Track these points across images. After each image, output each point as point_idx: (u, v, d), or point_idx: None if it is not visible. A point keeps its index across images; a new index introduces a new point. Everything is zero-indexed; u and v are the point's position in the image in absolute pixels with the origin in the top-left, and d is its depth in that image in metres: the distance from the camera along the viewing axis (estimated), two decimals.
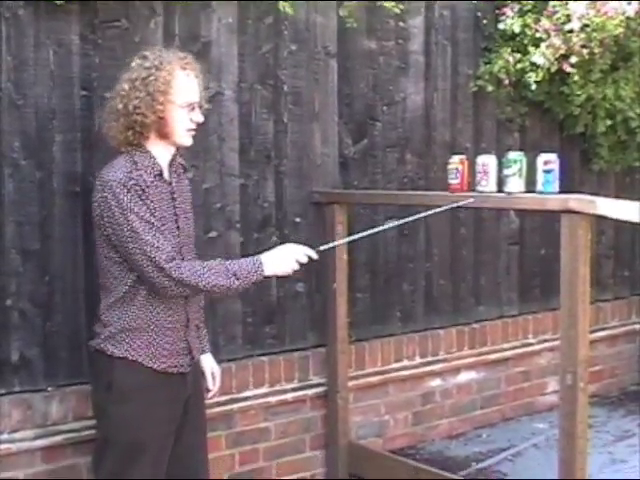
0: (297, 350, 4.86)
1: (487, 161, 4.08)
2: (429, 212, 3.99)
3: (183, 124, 3.44)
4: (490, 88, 5.49)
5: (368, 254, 5.15)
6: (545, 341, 6.04)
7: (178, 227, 3.47)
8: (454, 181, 4.20)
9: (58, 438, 3.97)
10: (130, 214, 3.27)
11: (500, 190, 4.05)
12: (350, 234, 4.48)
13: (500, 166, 4.05)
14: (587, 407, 3.80)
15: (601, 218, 3.77)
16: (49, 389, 4.00)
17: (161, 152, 3.46)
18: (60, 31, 3.96)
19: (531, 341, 6.02)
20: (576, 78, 5.30)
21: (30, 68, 3.88)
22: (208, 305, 4.45)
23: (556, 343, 3.92)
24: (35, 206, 3.93)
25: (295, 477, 4.90)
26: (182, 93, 3.40)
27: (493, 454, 5.30)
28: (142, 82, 3.36)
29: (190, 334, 3.54)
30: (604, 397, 6.39)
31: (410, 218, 3.97)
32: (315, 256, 3.54)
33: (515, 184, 3.97)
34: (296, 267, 3.48)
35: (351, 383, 4.99)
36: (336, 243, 3.92)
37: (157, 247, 3.27)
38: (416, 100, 5.33)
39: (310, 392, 4.89)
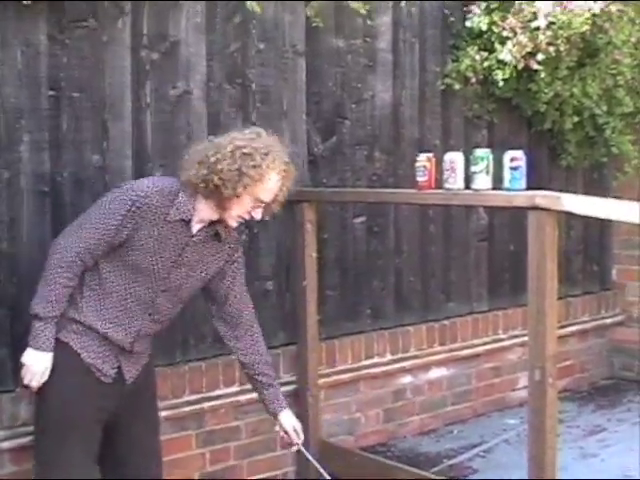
0: (267, 348, 4.84)
1: (454, 158, 4.09)
2: None
3: (241, 211, 3.45)
4: (457, 86, 5.51)
5: (338, 252, 5.16)
6: (515, 337, 6.06)
7: (169, 274, 3.50)
8: (422, 178, 4.20)
9: (26, 439, 3.93)
10: (98, 208, 3.44)
11: (468, 187, 4.06)
12: (319, 232, 4.53)
13: (467, 163, 4.07)
14: (556, 402, 3.81)
15: (568, 214, 3.80)
16: (17, 390, 3.98)
17: (206, 210, 3.47)
18: (28, 31, 3.95)
19: (501, 337, 6.04)
20: (543, 75, 5.33)
21: None
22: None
23: (526, 339, 3.93)
24: (3, 206, 3.92)
25: (266, 476, 4.91)
26: (263, 192, 3.42)
27: (464, 450, 5.31)
28: (242, 157, 3.36)
29: (124, 355, 3.56)
30: (575, 392, 6.43)
31: None
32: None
33: (482, 181, 3.98)
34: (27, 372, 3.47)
35: (322, 381, 5.00)
36: None
37: (74, 243, 3.40)
38: (384, 98, 5.34)
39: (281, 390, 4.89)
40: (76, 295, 3.47)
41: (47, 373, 3.43)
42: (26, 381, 3.45)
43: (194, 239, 3.51)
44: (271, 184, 3.43)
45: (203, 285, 3.68)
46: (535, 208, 3.68)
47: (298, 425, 3.87)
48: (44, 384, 3.44)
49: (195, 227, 3.50)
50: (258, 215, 3.50)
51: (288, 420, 3.85)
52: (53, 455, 3.46)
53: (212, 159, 3.38)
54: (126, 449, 3.67)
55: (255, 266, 4.69)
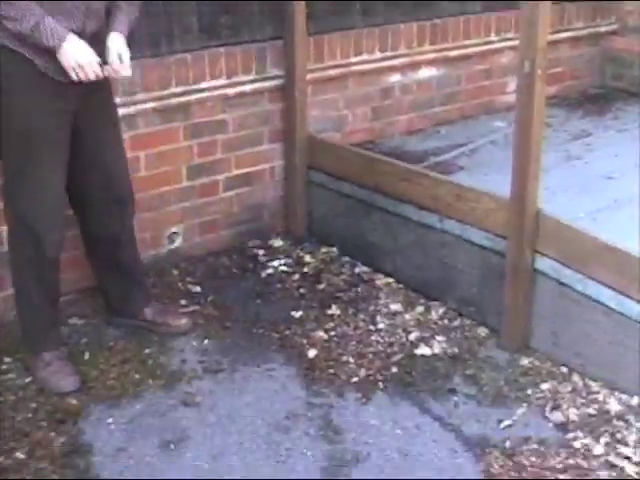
0: (254, 42, 4.77)
1: None
2: None
3: None
4: None
5: None
6: (507, 39, 5.94)
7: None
8: None
9: None
10: None
11: None
12: None
13: None
14: (544, 96, 3.77)
15: None
16: None
17: None
18: None
19: (493, 39, 5.93)
20: None
21: None
22: None
23: (518, 42, 3.83)
24: None
25: (254, 169, 4.95)
26: None
27: (451, 149, 5.32)
28: None
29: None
30: (564, 98, 6.40)
31: None
32: (100, 74, 3.48)
33: None
34: (74, 69, 3.43)
35: (309, 76, 4.94)
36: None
37: None
38: None
39: (268, 84, 4.85)
40: None
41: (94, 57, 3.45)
42: (83, 77, 3.44)
43: None
44: None
45: None
46: None
47: (125, 52, 3.59)
48: (3, 95, 3.46)
49: None
50: None
51: (114, 42, 3.59)
52: (22, 162, 3.54)
53: None
54: (93, 151, 3.74)
55: None
